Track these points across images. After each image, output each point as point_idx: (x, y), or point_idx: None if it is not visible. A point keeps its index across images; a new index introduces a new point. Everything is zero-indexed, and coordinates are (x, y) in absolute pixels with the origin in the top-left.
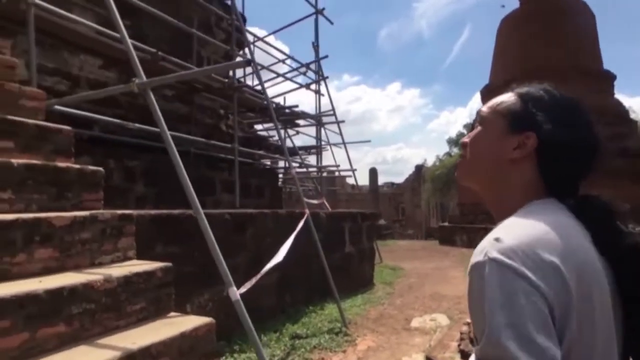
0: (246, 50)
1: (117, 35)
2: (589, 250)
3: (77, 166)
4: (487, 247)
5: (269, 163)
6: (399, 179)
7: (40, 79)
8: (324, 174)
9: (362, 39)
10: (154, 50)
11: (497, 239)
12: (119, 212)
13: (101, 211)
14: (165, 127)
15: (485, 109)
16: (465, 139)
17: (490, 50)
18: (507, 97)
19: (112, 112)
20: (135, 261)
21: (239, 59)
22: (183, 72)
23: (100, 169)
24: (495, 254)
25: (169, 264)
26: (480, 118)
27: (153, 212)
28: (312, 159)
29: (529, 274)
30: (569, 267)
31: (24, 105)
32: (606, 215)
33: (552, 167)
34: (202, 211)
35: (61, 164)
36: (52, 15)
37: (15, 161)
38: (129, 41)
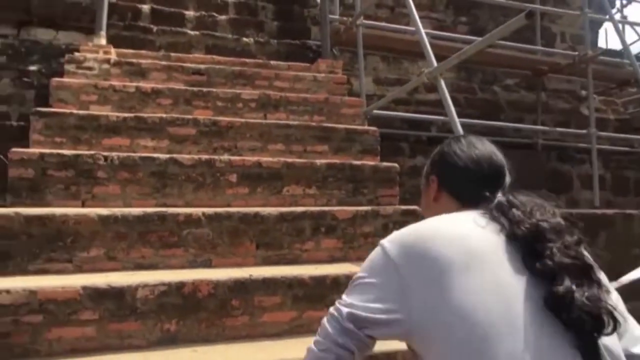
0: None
1: (453, 35)
2: (480, 235)
3: (371, 163)
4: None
5: None
6: None
7: (383, 90)
8: None
9: None
10: (477, 38)
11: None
12: (403, 207)
13: (384, 207)
14: (455, 116)
15: None
16: None
17: None
18: None
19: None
20: None
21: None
22: (466, 48)
23: (395, 165)
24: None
25: None
26: None
27: None
28: None
29: (391, 252)
30: (437, 248)
31: (345, 113)
32: (501, 209)
33: (455, 191)
34: None
35: (356, 162)
36: (383, 31)
37: (318, 161)
38: (423, 31)
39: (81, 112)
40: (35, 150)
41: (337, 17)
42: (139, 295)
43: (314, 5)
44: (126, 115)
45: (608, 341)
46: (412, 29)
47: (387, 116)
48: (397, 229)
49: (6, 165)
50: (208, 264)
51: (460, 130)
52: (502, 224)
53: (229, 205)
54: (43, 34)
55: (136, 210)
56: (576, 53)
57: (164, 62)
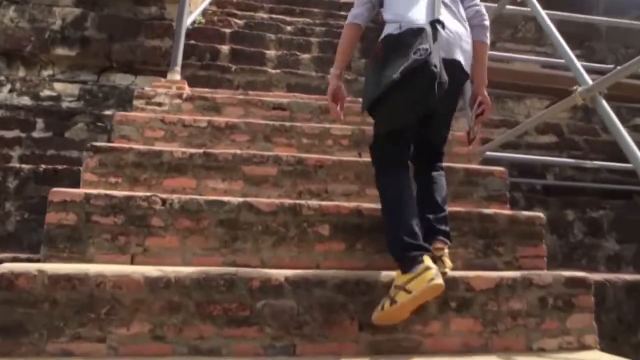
0: None
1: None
2: None
3: (507, 212)
4: None
5: None
6: None
7: (488, 133)
8: None
9: None
10: (611, 66)
11: None
12: (566, 274)
13: (538, 272)
14: (634, 148)
15: None
16: None
17: None
18: None
19: (567, 156)
20: (597, 353)
21: None
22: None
23: (540, 215)
24: None
25: None
26: None
27: (629, 277)
28: None
29: None
30: None
31: (457, 152)
32: None
33: None
34: None
35: (487, 210)
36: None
37: None
38: (562, 41)
39: (141, 147)
40: (79, 190)
41: None
42: None
43: None
44: (193, 151)
45: None
46: (523, 57)
47: (504, 159)
48: (560, 307)
49: None
50: (291, 352)
51: None
52: None
53: (318, 267)
54: (122, 79)
55: (195, 271)
56: None
57: (240, 96)
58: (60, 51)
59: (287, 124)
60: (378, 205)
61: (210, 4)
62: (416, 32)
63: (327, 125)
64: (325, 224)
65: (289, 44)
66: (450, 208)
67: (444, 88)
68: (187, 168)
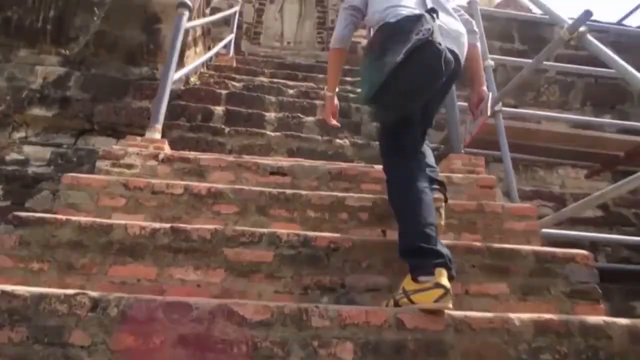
0: None
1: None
2: None
3: (624, 321)
4: None
5: None
6: None
7: None
8: None
9: None
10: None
11: None
12: None
13: None
14: None
15: None
16: None
17: None
18: None
19: (617, 232)
20: None
21: None
22: None
23: None
24: None
25: None
26: None
27: None
28: None
29: None
30: None
31: (511, 228)
32: None
33: None
34: None
35: (593, 319)
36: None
37: (514, 316)
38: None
39: (83, 218)
40: None
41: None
42: None
43: None
44: (156, 226)
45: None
46: (568, 116)
47: (551, 236)
48: None
49: None
50: None
51: None
52: None
53: None
54: (102, 143)
55: None
56: None
57: (231, 159)
58: (37, 111)
59: (289, 191)
60: (423, 314)
61: (208, 67)
62: (415, 19)
63: (340, 194)
64: (347, 342)
65: (291, 106)
66: (533, 315)
67: (450, 68)
68: (146, 250)
